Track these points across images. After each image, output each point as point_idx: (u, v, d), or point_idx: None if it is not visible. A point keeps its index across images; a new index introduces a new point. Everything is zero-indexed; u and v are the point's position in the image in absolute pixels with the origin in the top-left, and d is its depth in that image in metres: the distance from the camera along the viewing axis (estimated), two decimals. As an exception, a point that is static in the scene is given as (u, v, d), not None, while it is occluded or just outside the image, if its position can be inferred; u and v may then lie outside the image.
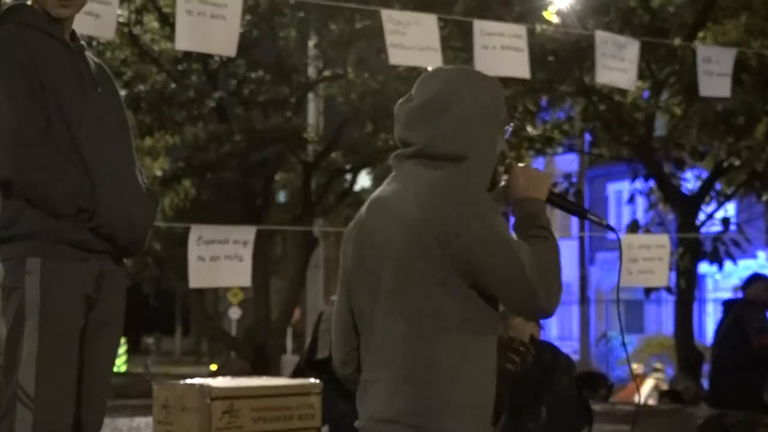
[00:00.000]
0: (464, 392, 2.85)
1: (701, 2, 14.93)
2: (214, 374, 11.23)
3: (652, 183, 17.43)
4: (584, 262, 25.20)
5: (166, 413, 4.85)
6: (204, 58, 16.17)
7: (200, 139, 17.31)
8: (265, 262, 16.13)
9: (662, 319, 29.06)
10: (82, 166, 3.46)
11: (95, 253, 3.50)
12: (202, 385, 4.78)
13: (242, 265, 7.52)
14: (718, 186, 17.47)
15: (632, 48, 8.59)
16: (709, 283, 28.98)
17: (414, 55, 7.67)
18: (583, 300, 25.20)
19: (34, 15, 3.57)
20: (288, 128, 16.82)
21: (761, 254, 26.81)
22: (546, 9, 14.47)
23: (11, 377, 3.41)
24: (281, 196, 24.74)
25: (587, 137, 20.29)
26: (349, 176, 19.24)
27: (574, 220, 28.93)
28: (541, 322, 4.93)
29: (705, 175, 17.48)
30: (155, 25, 16.28)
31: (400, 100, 3.12)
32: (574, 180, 20.73)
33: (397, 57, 7.64)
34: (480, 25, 7.98)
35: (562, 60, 14.78)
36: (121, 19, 14.39)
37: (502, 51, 7.88)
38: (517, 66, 8.00)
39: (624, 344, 3.66)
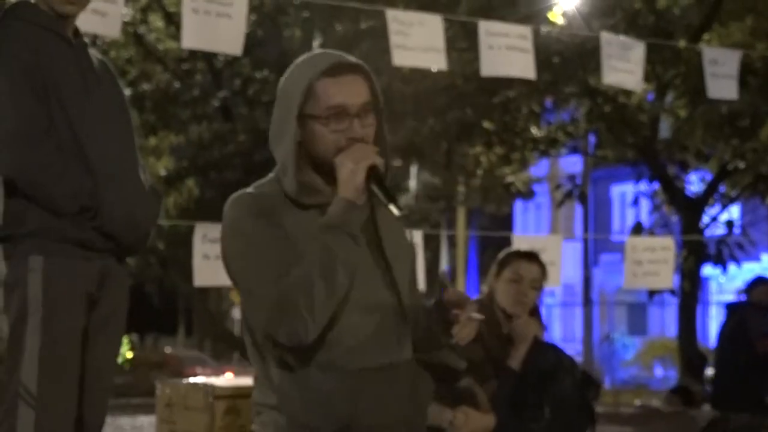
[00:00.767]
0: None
1: (707, 4, 14.94)
2: None
3: (656, 185, 17.45)
4: (588, 263, 25.19)
5: (169, 412, 4.85)
6: (209, 57, 16.21)
7: (204, 139, 17.35)
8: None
9: (665, 321, 29.04)
10: (84, 164, 3.46)
11: (98, 252, 3.49)
12: (205, 384, 4.78)
13: (246, 264, 7.52)
14: (722, 188, 17.48)
15: (638, 49, 8.58)
16: (713, 286, 28.96)
17: (418, 56, 7.66)
18: (587, 302, 25.20)
19: (38, 12, 3.56)
20: (292, 128, 16.81)
21: (765, 257, 26.78)
22: (551, 10, 14.48)
23: (13, 375, 3.40)
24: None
25: (591, 139, 20.31)
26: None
27: (579, 222, 28.93)
28: (545, 323, 4.94)
29: (709, 177, 17.49)
30: (160, 24, 16.31)
31: None
32: (578, 182, 20.73)
33: (400, 58, 7.63)
34: (485, 26, 7.97)
35: (566, 61, 14.80)
36: (126, 19, 14.40)
37: (507, 51, 7.87)
38: (523, 67, 7.99)
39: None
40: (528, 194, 22.48)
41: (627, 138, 16.79)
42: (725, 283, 26.69)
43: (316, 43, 17.39)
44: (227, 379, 5.16)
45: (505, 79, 11.29)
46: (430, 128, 17.25)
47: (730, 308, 9.44)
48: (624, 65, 8.46)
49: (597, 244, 28.80)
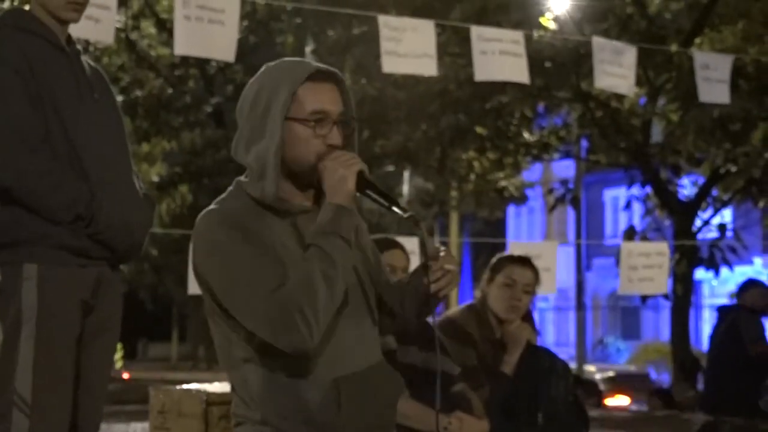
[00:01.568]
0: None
1: (698, 9, 14.97)
2: None
3: (648, 189, 17.47)
4: (581, 268, 25.21)
5: (162, 419, 4.85)
6: (201, 63, 16.21)
7: (197, 145, 17.34)
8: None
9: (659, 325, 29.08)
10: (80, 172, 3.46)
11: (93, 259, 3.49)
12: (199, 391, 4.78)
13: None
14: (714, 192, 17.51)
15: (630, 54, 8.60)
16: (706, 289, 29.01)
17: (409, 62, 7.64)
18: (580, 306, 25.22)
19: (32, 20, 3.57)
20: (285, 134, 16.81)
21: (758, 260, 26.84)
22: (543, 15, 14.50)
23: (7, 383, 3.40)
24: (278, 202, 24.74)
25: (584, 143, 20.34)
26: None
27: (572, 226, 28.95)
28: (538, 327, 4.96)
29: (701, 181, 17.52)
30: (152, 30, 16.30)
31: None
32: (570, 186, 20.75)
33: (391, 64, 7.61)
34: (478, 31, 7.98)
35: (559, 66, 14.82)
36: (118, 25, 14.39)
37: (500, 56, 7.88)
38: (516, 71, 8.00)
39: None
40: (521, 199, 22.50)
41: (619, 142, 16.81)
42: (718, 287, 26.75)
43: (308, 49, 17.40)
44: (221, 386, 5.16)
45: (497, 84, 11.31)
46: (423, 133, 17.27)
47: (722, 311, 9.44)
48: (616, 70, 8.48)
49: (590, 249, 28.81)
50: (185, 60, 15.96)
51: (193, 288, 7.51)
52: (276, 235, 2.72)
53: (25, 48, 3.48)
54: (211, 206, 2.78)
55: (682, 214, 16.48)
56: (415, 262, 6.28)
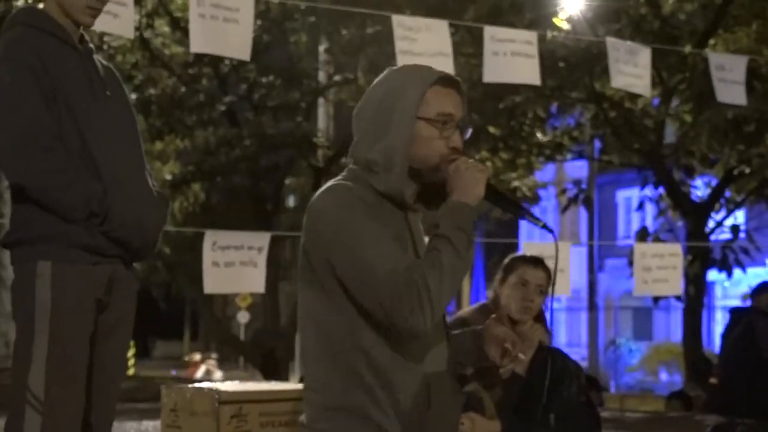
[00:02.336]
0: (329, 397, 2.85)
1: (712, 10, 14.92)
2: None
3: (661, 190, 17.42)
4: (593, 268, 25.16)
5: (174, 417, 4.86)
6: (215, 62, 16.21)
7: (210, 144, 17.33)
8: (274, 267, 16.14)
9: (671, 326, 28.99)
10: (93, 170, 3.46)
11: (106, 257, 3.50)
12: (210, 389, 4.78)
13: (257, 271, 7.52)
14: (727, 193, 17.45)
15: (644, 54, 8.58)
16: (718, 291, 28.92)
17: (423, 61, 7.63)
18: (592, 307, 25.17)
19: (45, 19, 3.58)
20: (298, 133, 16.84)
21: (771, 262, 26.73)
22: (556, 16, 14.47)
23: (21, 380, 3.41)
24: (291, 201, 24.77)
25: (597, 144, 20.30)
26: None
27: (584, 227, 28.90)
28: (550, 328, 4.94)
29: (715, 182, 17.46)
30: (166, 29, 16.30)
31: None
32: (583, 186, 20.71)
33: (405, 64, 7.60)
34: (491, 32, 7.96)
35: (572, 66, 14.78)
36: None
37: (512, 57, 7.86)
38: (528, 72, 7.99)
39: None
40: (533, 199, 22.45)
41: (632, 143, 16.77)
42: (730, 288, 26.67)
43: (322, 48, 17.39)
44: (233, 384, 5.16)
45: (511, 85, 11.28)
46: (436, 133, 17.20)
47: (735, 313, 9.42)
48: (632, 69, 8.46)
49: (602, 249, 28.72)
50: (199, 58, 15.96)
51: (209, 288, 7.51)
52: (392, 225, 2.84)
53: (38, 46, 3.49)
54: (331, 184, 2.89)
55: (695, 215, 16.43)
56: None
